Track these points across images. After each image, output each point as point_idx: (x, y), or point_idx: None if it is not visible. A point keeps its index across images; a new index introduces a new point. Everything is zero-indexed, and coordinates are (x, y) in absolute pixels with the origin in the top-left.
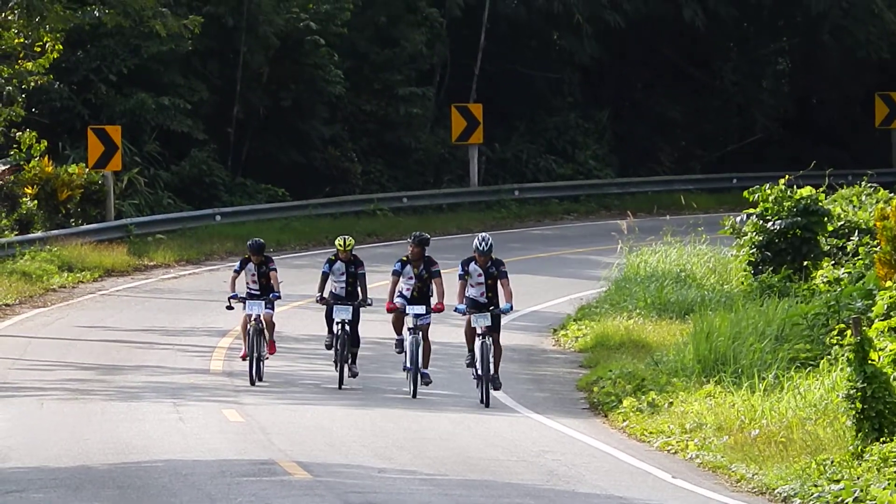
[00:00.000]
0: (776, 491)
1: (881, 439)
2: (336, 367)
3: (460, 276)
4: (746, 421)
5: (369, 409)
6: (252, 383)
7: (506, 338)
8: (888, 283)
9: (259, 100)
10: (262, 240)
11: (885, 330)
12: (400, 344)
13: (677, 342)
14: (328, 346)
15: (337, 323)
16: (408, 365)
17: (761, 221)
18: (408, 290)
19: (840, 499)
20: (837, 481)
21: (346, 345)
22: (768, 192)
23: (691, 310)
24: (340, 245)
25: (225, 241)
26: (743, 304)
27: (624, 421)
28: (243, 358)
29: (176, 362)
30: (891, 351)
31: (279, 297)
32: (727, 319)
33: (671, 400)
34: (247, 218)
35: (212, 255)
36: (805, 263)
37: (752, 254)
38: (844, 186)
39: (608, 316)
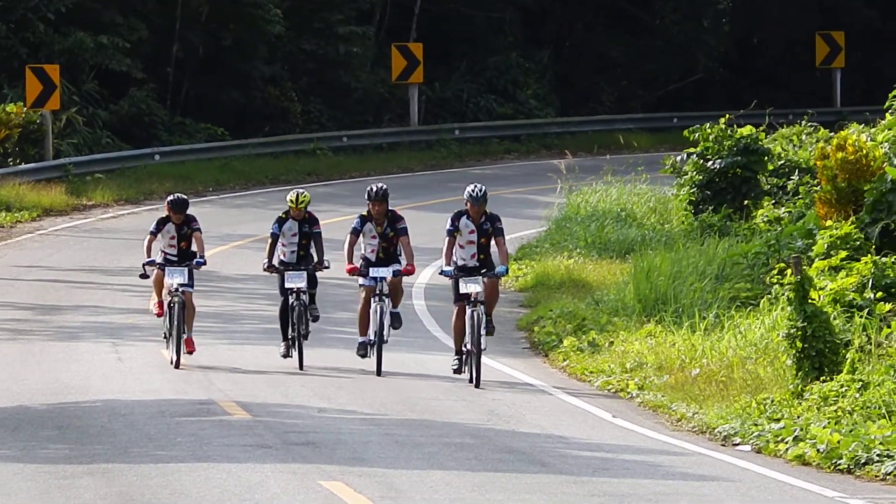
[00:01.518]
0: (716, 430)
1: (821, 378)
2: (290, 345)
3: (449, 233)
4: (687, 360)
5: (309, 349)
6: (177, 366)
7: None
8: (828, 223)
9: (198, 39)
10: (184, 196)
11: (825, 269)
12: (364, 347)
13: (618, 281)
14: (285, 356)
15: (291, 293)
16: (371, 338)
17: (702, 161)
18: (372, 251)
19: (780, 437)
20: (778, 420)
21: (302, 318)
22: (709, 131)
23: (632, 249)
24: (292, 201)
25: (164, 181)
26: (683, 243)
27: (564, 360)
28: (159, 314)
29: (115, 302)
30: (830, 290)
31: (204, 263)
32: (667, 259)
33: (612, 339)
34: (186, 157)
35: (151, 195)
36: (745, 203)
37: (693, 193)
38: (785, 126)
39: (548, 255)
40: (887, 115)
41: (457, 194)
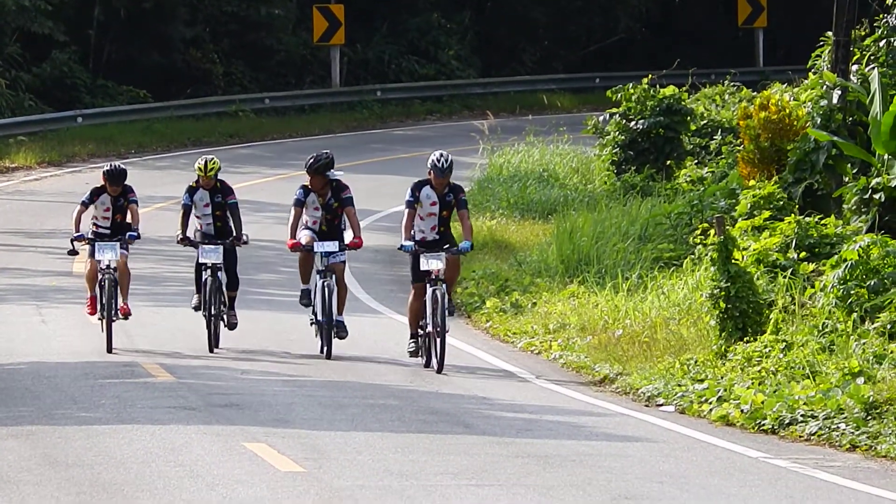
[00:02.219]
0: (640, 391)
1: (744, 339)
2: (207, 324)
3: (408, 204)
4: (610, 321)
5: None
6: (109, 350)
7: (367, 238)
8: (751, 183)
9: (120, 1)
10: (123, 166)
11: (749, 229)
12: (307, 295)
13: (540, 242)
14: (196, 308)
15: (206, 268)
16: (319, 317)
17: (624, 121)
18: (314, 222)
19: (704, 398)
20: (701, 381)
21: (216, 296)
22: (631, 91)
23: (554, 210)
24: (201, 168)
25: (87, 143)
26: (606, 203)
27: (487, 322)
28: (90, 312)
29: (38, 265)
30: (754, 250)
31: (138, 237)
32: (590, 219)
33: (535, 300)
34: (108, 120)
35: (73, 157)
36: (668, 163)
37: (615, 153)
38: (707, 86)
39: (471, 216)
40: (810, 74)
41: (378, 155)
